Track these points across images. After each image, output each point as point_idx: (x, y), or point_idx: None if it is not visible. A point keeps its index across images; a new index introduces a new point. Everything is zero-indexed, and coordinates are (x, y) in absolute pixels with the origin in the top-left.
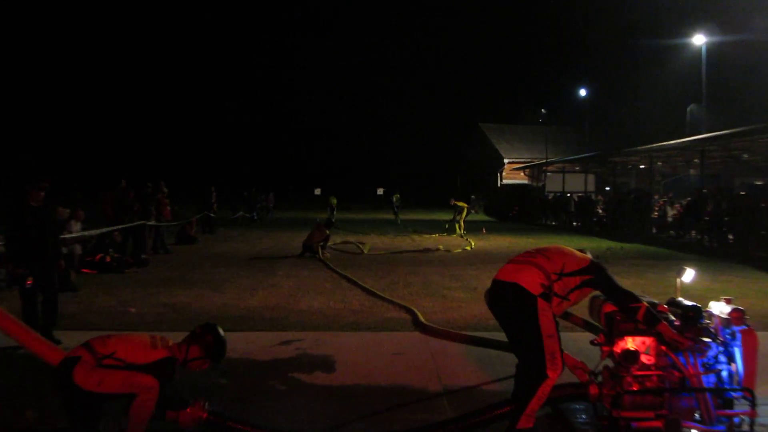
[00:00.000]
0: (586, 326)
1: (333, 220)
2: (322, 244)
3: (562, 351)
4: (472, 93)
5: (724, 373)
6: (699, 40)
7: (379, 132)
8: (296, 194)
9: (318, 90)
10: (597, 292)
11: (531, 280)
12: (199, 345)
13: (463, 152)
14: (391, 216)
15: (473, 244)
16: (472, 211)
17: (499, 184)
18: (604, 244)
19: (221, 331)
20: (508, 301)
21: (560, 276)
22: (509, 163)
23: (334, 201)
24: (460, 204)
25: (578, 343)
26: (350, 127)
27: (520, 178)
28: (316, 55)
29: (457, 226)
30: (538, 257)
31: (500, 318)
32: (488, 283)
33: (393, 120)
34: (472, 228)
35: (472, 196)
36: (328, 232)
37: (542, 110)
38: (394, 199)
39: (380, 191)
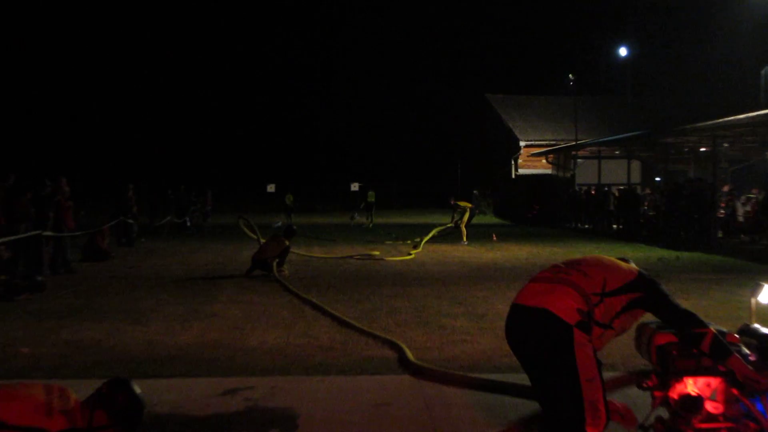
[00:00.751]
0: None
1: (294, 228)
2: (278, 259)
3: (605, 399)
4: (475, 57)
5: None
6: None
7: (355, 112)
8: (245, 192)
9: (274, 57)
10: (648, 317)
11: (564, 305)
12: (105, 410)
13: (465, 134)
14: (364, 219)
15: (417, 250)
16: (477, 212)
17: (513, 175)
18: (654, 253)
19: (136, 389)
20: (534, 334)
21: (602, 297)
22: (527, 146)
23: (291, 199)
24: (462, 204)
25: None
26: (316, 106)
27: (541, 167)
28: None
29: (461, 230)
30: (572, 273)
31: (522, 355)
32: (501, 309)
33: (373, 96)
34: (478, 234)
35: (475, 192)
36: (287, 242)
37: (570, 76)
38: (369, 197)
39: (355, 187)
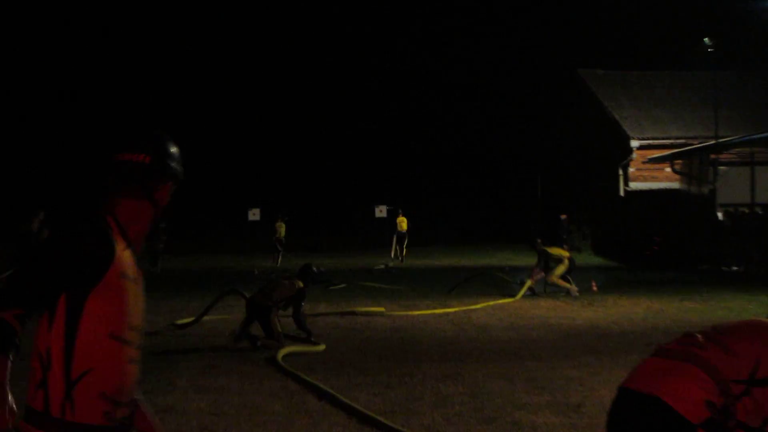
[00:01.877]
0: None
1: (317, 271)
2: (283, 303)
3: None
4: (558, 18)
5: None
6: None
7: (379, 101)
8: (216, 220)
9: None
10: None
11: (686, 393)
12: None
13: (547, 134)
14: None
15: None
16: (564, 248)
17: (621, 192)
18: None
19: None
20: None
21: (748, 386)
22: (642, 147)
23: (283, 230)
24: (556, 253)
25: None
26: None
27: (664, 179)
28: None
29: (525, 284)
30: (708, 347)
31: None
32: (604, 396)
33: (412, 80)
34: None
35: (562, 217)
36: (300, 284)
37: (705, 41)
38: (400, 224)
39: (381, 212)
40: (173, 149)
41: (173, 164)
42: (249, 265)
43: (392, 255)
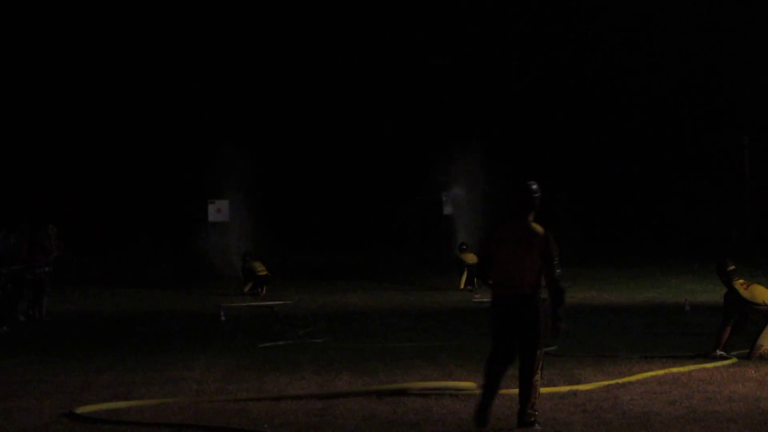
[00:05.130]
0: None
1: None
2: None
3: None
4: None
5: None
6: None
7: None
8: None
9: None
10: None
11: None
12: None
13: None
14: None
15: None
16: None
17: None
18: None
19: None
20: None
21: None
22: None
23: (260, 266)
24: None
25: None
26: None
27: None
28: None
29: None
30: None
31: None
32: None
33: None
34: None
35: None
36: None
37: None
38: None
39: (450, 208)
40: None
41: None
42: (208, 301)
43: (461, 286)
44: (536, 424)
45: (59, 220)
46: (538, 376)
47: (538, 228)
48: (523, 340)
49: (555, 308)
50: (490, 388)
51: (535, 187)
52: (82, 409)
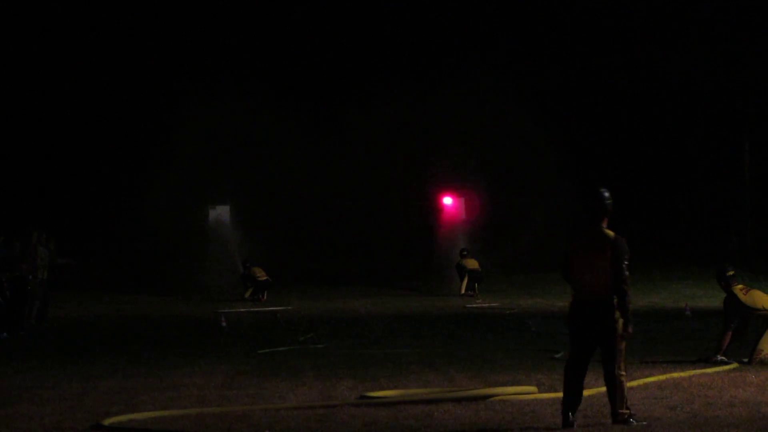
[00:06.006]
0: None
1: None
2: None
3: None
4: None
5: None
6: None
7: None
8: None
9: None
10: None
11: None
12: None
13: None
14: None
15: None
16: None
17: None
18: None
19: None
20: None
21: None
22: None
23: (261, 271)
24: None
25: None
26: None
27: None
28: None
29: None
30: None
31: None
32: None
33: None
34: None
35: None
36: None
37: None
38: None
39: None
40: None
41: None
42: (206, 311)
43: (462, 291)
44: (632, 421)
45: (57, 226)
46: (621, 373)
47: (610, 233)
48: (601, 342)
49: (623, 311)
50: (571, 391)
51: (607, 194)
52: (109, 421)
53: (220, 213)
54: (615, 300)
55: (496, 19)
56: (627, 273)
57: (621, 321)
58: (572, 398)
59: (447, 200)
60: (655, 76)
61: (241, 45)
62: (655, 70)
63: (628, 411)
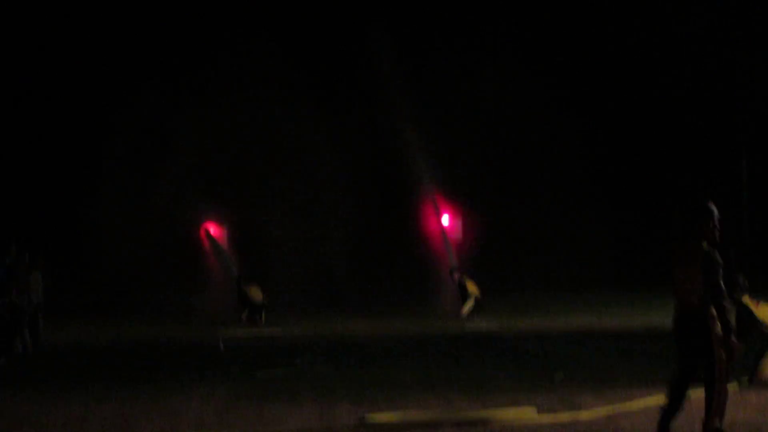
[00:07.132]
0: None
1: None
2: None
3: None
4: None
5: None
6: None
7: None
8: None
9: None
10: None
11: None
12: None
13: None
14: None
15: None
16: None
17: None
18: None
19: None
20: None
21: None
22: None
23: (257, 291)
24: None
25: None
26: None
27: None
28: None
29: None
30: None
31: None
32: None
33: None
34: None
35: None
36: None
37: None
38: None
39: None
40: None
41: None
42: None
43: (464, 311)
44: None
45: (48, 246)
46: (722, 387)
47: (704, 245)
48: (700, 353)
49: (721, 322)
50: (672, 401)
51: (713, 208)
52: None
53: (215, 232)
54: (713, 311)
55: (496, 24)
56: (721, 285)
57: (718, 331)
58: (671, 409)
59: (445, 219)
60: (651, 93)
61: (240, 51)
62: (650, 86)
63: (718, 424)
